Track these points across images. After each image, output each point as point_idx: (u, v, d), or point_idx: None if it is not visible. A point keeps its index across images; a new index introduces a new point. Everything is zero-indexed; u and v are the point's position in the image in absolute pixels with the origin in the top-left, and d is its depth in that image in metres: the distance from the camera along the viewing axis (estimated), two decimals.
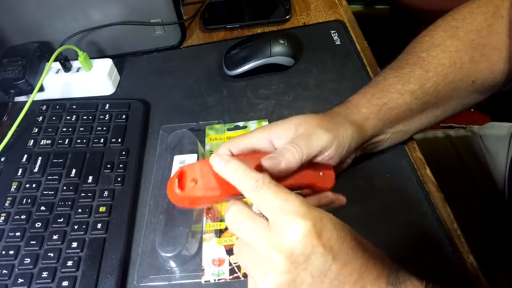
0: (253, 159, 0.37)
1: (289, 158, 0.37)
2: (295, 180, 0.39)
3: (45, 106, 0.60)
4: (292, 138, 0.39)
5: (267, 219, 0.31)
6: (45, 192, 0.50)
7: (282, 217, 0.29)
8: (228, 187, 0.33)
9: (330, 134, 0.40)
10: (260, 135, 0.40)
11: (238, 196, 0.34)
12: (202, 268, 0.44)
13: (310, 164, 0.40)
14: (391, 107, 0.45)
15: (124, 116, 0.58)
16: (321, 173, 0.41)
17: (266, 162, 0.36)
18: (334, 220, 0.31)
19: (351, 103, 0.45)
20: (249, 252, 0.31)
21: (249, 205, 0.33)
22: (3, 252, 0.46)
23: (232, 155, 0.39)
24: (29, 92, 0.60)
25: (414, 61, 0.47)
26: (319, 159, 0.40)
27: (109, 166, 0.52)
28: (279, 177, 0.37)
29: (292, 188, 0.36)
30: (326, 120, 0.42)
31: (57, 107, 0.59)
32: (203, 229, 0.46)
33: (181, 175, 0.35)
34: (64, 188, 0.50)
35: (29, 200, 0.49)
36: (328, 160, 0.41)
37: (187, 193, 0.34)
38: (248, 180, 0.31)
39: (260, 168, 0.37)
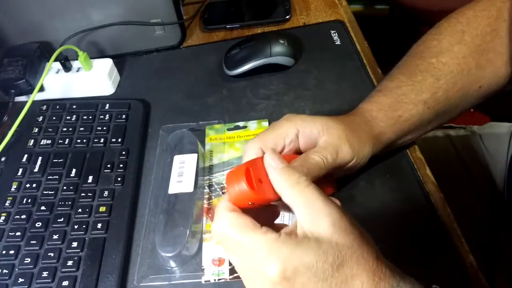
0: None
1: (316, 171, 0.37)
2: None
3: (45, 106, 0.60)
4: (318, 144, 0.40)
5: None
6: (45, 192, 0.50)
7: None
8: None
9: (354, 152, 0.41)
10: (289, 130, 0.40)
11: None
12: (202, 268, 0.44)
13: None
14: (405, 118, 0.45)
15: (124, 116, 0.58)
16: (326, 180, 0.42)
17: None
18: (363, 250, 0.30)
19: (369, 114, 0.45)
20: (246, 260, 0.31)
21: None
22: (4, 252, 0.46)
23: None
24: (29, 92, 0.60)
25: (425, 67, 0.47)
26: (334, 169, 0.41)
27: (109, 166, 0.52)
28: None
29: None
30: (351, 133, 0.41)
31: (57, 107, 0.59)
32: (203, 229, 0.46)
33: (248, 172, 0.33)
34: (64, 188, 0.50)
35: (29, 200, 0.49)
36: (338, 171, 0.42)
37: (257, 193, 0.32)
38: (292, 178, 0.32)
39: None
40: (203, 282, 0.43)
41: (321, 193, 0.31)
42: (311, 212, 0.30)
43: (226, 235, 0.31)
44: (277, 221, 0.46)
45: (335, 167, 0.40)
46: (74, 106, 0.59)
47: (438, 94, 0.45)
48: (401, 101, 0.45)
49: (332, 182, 0.45)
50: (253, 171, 0.33)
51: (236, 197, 0.33)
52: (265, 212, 0.36)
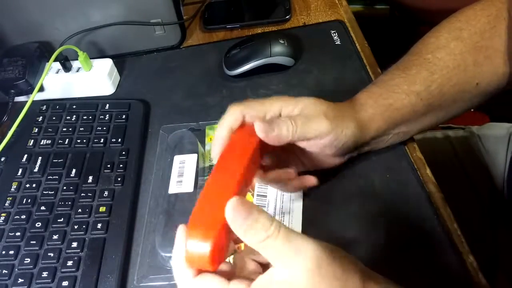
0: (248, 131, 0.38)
1: (282, 131, 0.38)
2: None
3: (45, 106, 0.60)
4: (294, 114, 0.41)
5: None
6: (45, 192, 0.50)
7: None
8: None
9: (330, 125, 0.41)
10: (275, 104, 0.41)
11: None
12: None
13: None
14: (397, 107, 0.45)
15: (124, 116, 0.58)
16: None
17: (258, 125, 0.37)
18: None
19: (358, 101, 0.46)
20: None
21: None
22: (3, 252, 0.46)
23: (243, 120, 0.40)
24: (29, 92, 0.60)
25: (420, 62, 0.47)
26: (312, 144, 0.41)
27: (109, 166, 0.52)
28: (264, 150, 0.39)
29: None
30: (333, 110, 0.42)
31: (57, 107, 0.59)
32: None
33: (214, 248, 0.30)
34: (64, 188, 0.50)
35: (29, 200, 0.49)
36: (322, 149, 0.42)
37: (218, 266, 0.31)
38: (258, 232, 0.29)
39: (252, 132, 0.38)
40: None
41: (291, 239, 0.29)
42: (284, 262, 0.28)
43: None
44: None
45: (307, 136, 0.40)
46: (74, 106, 0.59)
47: (431, 87, 0.45)
48: (393, 91, 0.45)
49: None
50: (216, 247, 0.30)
51: (195, 263, 0.30)
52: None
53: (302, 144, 0.41)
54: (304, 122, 0.40)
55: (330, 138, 0.41)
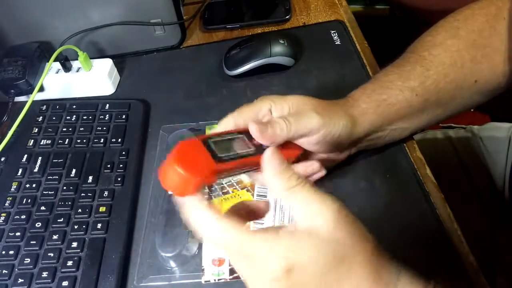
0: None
1: (277, 130, 0.38)
2: None
3: (45, 106, 0.60)
4: (285, 114, 0.41)
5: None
6: (45, 192, 0.50)
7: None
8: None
9: (321, 119, 0.41)
10: (264, 103, 0.41)
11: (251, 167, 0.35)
12: (202, 268, 0.44)
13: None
14: (391, 103, 0.45)
15: (124, 116, 0.58)
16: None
17: (252, 126, 0.38)
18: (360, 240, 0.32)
19: (351, 97, 0.46)
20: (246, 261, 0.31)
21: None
22: (3, 252, 0.46)
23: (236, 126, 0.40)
24: (29, 92, 0.60)
25: (415, 59, 0.47)
26: (306, 141, 0.41)
27: (109, 166, 0.52)
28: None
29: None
30: (322, 105, 0.42)
31: (57, 107, 0.59)
32: None
33: (180, 153, 0.32)
34: (64, 188, 0.50)
35: (29, 200, 0.49)
36: (316, 144, 0.42)
37: (193, 174, 0.32)
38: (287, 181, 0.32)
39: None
40: (203, 282, 0.43)
41: (317, 191, 0.31)
42: (310, 211, 0.30)
43: (225, 243, 0.31)
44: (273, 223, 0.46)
45: (301, 132, 0.40)
46: (74, 106, 0.59)
47: (427, 83, 0.45)
48: (387, 86, 0.46)
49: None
50: (188, 151, 0.33)
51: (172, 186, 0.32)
52: (252, 213, 0.36)
53: (298, 143, 0.41)
54: (296, 119, 0.40)
55: (322, 133, 0.41)
